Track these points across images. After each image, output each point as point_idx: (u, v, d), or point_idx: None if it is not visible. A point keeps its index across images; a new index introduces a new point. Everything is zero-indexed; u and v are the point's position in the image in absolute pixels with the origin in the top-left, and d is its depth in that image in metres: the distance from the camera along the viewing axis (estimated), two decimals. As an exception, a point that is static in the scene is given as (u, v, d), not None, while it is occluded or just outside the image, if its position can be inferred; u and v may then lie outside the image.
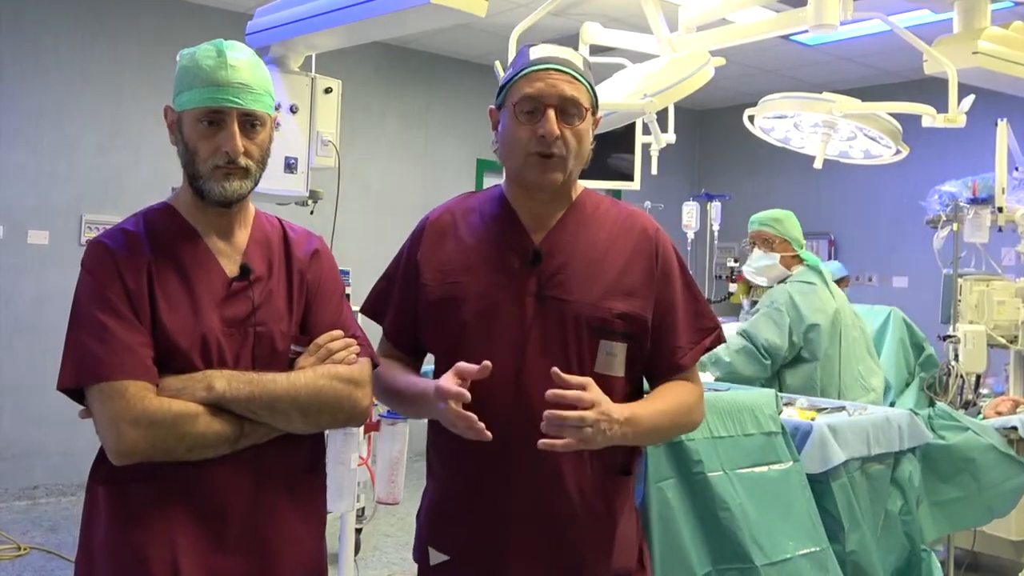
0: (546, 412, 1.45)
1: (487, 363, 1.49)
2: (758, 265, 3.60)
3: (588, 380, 1.50)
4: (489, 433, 1.47)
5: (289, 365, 1.59)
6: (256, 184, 1.60)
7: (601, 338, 1.61)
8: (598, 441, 1.49)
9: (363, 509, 4.13)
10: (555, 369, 1.48)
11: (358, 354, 1.63)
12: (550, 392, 1.47)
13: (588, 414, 1.46)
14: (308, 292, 1.65)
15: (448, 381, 1.50)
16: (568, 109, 1.59)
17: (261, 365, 1.56)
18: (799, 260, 3.57)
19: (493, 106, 1.69)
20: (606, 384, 1.60)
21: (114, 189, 5.66)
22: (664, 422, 1.63)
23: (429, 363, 1.76)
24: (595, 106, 1.66)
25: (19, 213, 5.42)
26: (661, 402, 1.64)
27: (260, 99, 1.56)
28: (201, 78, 1.53)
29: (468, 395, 1.48)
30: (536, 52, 1.63)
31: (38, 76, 5.47)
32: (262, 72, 1.60)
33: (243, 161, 1.55)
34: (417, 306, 1.69)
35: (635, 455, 1.72)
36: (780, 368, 3.41)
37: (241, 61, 1.56)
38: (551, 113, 1.58)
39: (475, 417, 1.47)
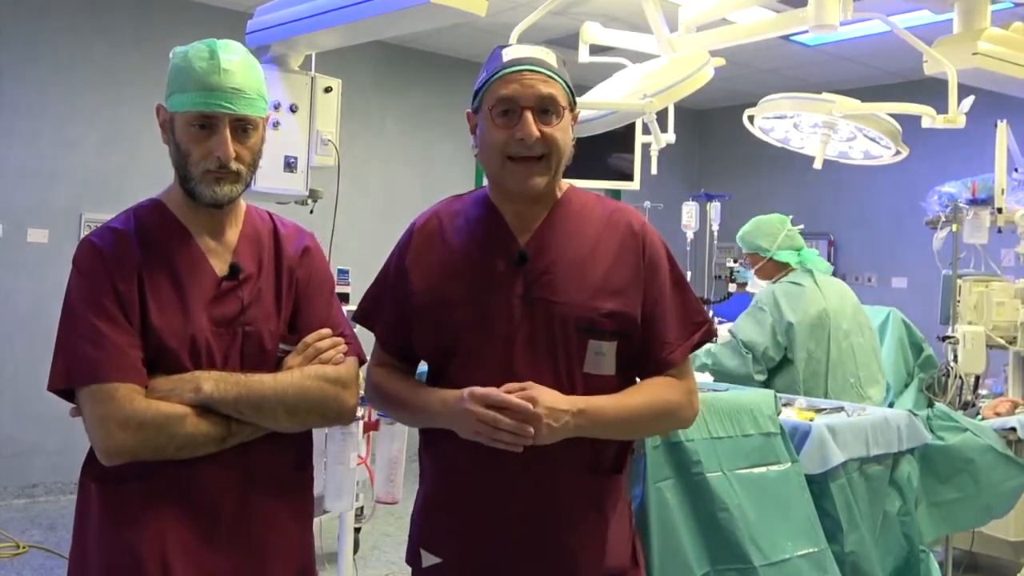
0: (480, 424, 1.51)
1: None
2: (751, 286, 3.69)
3: (527, 384, 1.52)
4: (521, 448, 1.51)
5: (277, 364, 1.59)
6: (247, 187, 1.61)
7: (590, 338, 1.60)
8: (544, 436, 1.50)
9: (362, 508, 4.13)
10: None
11: (346, 353, 1.63)
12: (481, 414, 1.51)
13: (502, 418, 1.49)
14: (298, 290, 1.66)
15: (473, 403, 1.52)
16: (545, 108, 1.58)
17: (249, 364, 1.56)
18: (781, 265, 3.55)
19: (469, 110, 1.68)
20: (598, 383, 1.60)
21: (114, 188, 5.65)
22: (634, 416, 1.61)
23: (422, 364, 1.76)
24: (572, 103, 1.65)
25: (19, 212, 5.42)
26: (631, 397, 1.63)
27: (253, 103, 1.56)
28: (194, 80, 1.53)
29: (529, 407, 1.50)
30: (509, 54, 1.62)
31: (38, 75, 5.47)
32: (256, 74, 1.59)
33: (234, 165, 1.55)
34: (408, 312, 1.68)
35: (626, 453, 1.71)
36: (774, 371, 3.40)
37: (234, 64, 1.55)
38: (528, 115, 1.57)
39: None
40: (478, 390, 1.51)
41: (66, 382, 1.49)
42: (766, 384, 3.38)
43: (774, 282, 3.55)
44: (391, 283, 1.73)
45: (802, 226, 3.69)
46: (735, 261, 5.10)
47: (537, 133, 1.57)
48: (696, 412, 1.72)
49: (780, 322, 3.37)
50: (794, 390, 3.30)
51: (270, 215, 1.72)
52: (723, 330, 3.55)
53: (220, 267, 1.60)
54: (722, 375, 3.38)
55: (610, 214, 1.70)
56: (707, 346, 3.36)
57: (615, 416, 1.59)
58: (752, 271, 3.63)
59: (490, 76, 1.61)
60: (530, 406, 1.49)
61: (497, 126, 1.59)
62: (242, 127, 1.56)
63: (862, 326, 3.56)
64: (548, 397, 1.51)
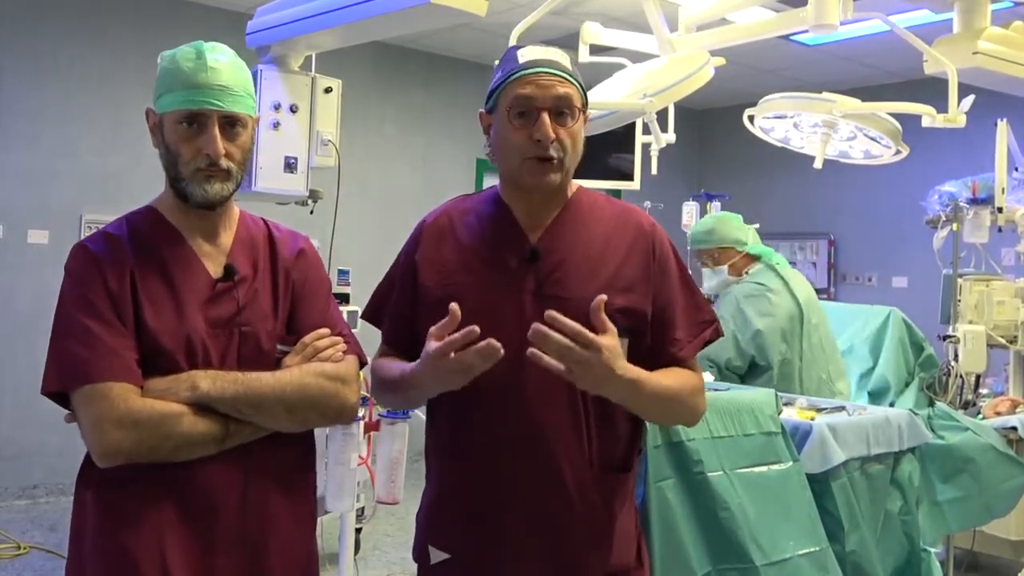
0: (534, 324, 1.42)
1: (475, 328, 1.45)
2: (708, 285, 3.52)
3: (612, 329, 1.47)
4: (499, 344, 1.42)
5: (276, 365, 1.58)
6: (238, 186, 1.60)
7: None
8: (588, 381, 1.47)
9: (363, 509, 4.13)
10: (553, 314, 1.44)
11: (345, 352, 1.63)
12: (548, 312, 1.44)
13: (577, 349, 1.42)
14: (294, 291, 1.65)
15: (432, 343, 1.48)
16: (561, 109, 1.60)
17: (247, 365, 1.55)
18: (752, 257, 3.45)
19: (483, 110, 1.69)
20: None
21: (114, 189, 5.65)
22: (668, 395, 1.62)
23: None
24: (585, 104, 1.66)
25: (19, 213, 5.42)
26: (667, 378, 1.64)
27: (240, 100, 1.56)
28: (181, 80, 1.53)
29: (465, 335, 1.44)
30: (525, 55, 1.63)
31: (38, 76, 5.47)
32: (243, 73, 1.60)
33: (224, 163, 1.55)
34: (415, 308, 1.69)
35: (634, 451, 1.72)
36: (744, 378, 3.29)
37: (221, 63, 1.55)
38: (545, 116, 1.58)
39: (467, 331, 1.43)
40: (430, 345, 1.47)
41: (59, 384, 1.47)
42: None
43: (737, 281, 3.43)
44: (399, 279, 1.74)
45: (757, 225, 3.62)
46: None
47: (553, 135, 1.58)
48: (706, 406, 1.74)
49: (745, 329, 3.25)
50: None
51: (264, 221, 1.72)
52: None
53: (214, 269, 1.59)
54: None
55: (620, 213, 1.72)
56: None
57: (654, 392, 1.58)
58: (723, 269, 3.47)
59: (506, 76, 1.62)
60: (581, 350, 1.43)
61: (515, 128, 1.60)
62: (231, 124, 1.56)
63: (824, 319, 3.47)
64: (612, 353, 1.46)
